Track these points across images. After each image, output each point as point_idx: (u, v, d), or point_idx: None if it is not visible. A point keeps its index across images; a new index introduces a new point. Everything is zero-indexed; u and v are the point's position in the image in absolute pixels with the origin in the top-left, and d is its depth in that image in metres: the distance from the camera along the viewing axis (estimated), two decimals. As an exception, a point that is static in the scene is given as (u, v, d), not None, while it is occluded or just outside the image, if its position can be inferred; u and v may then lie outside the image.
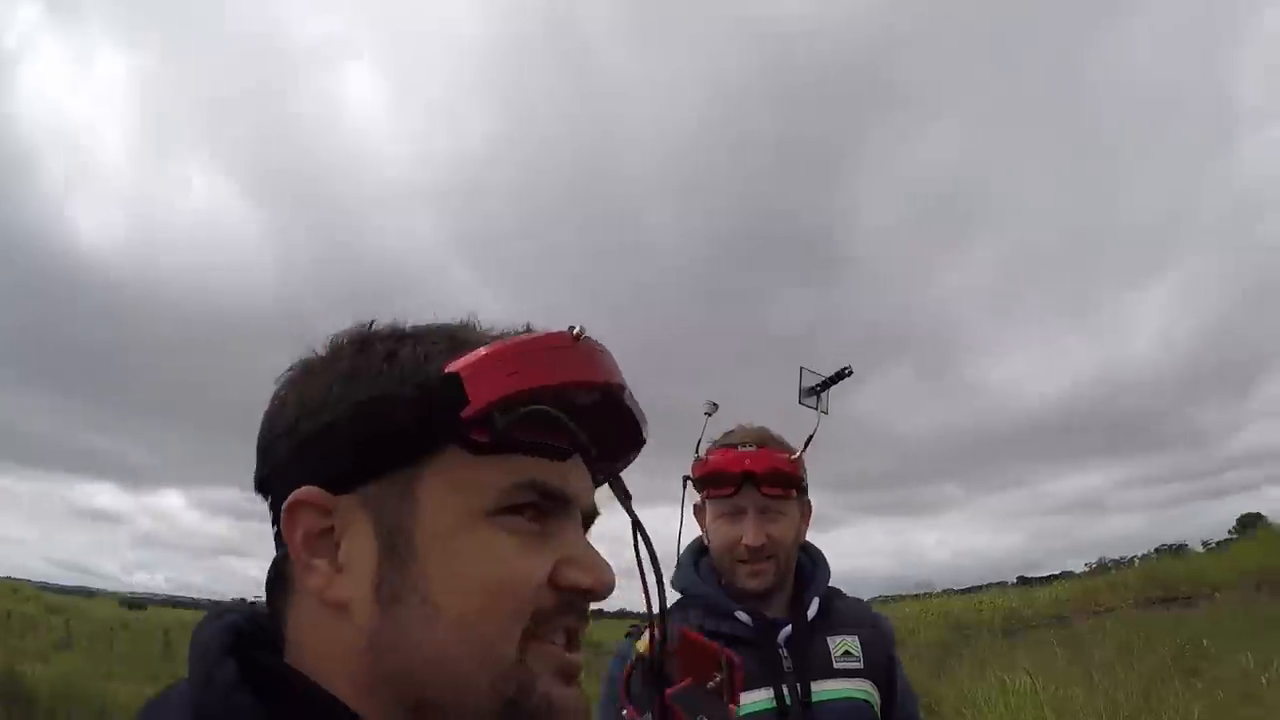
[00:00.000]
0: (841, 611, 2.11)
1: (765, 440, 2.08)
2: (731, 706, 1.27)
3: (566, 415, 0.70)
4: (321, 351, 0.77)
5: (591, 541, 0.77)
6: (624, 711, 1.44)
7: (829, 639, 2.03)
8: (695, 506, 2.17)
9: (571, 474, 0.74)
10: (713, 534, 2.08)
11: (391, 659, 0.67)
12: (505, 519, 0.70)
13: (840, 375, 2.13)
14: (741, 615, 2.01)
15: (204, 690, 0.63)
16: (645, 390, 0.84)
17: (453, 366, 0.69)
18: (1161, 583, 16.65)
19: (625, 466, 0.85)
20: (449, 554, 0.68)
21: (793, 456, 2.07)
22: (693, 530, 2.19)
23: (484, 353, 0.70)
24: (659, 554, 0.79)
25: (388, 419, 0.69)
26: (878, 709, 2.01)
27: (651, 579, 0.79)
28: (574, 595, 0.72)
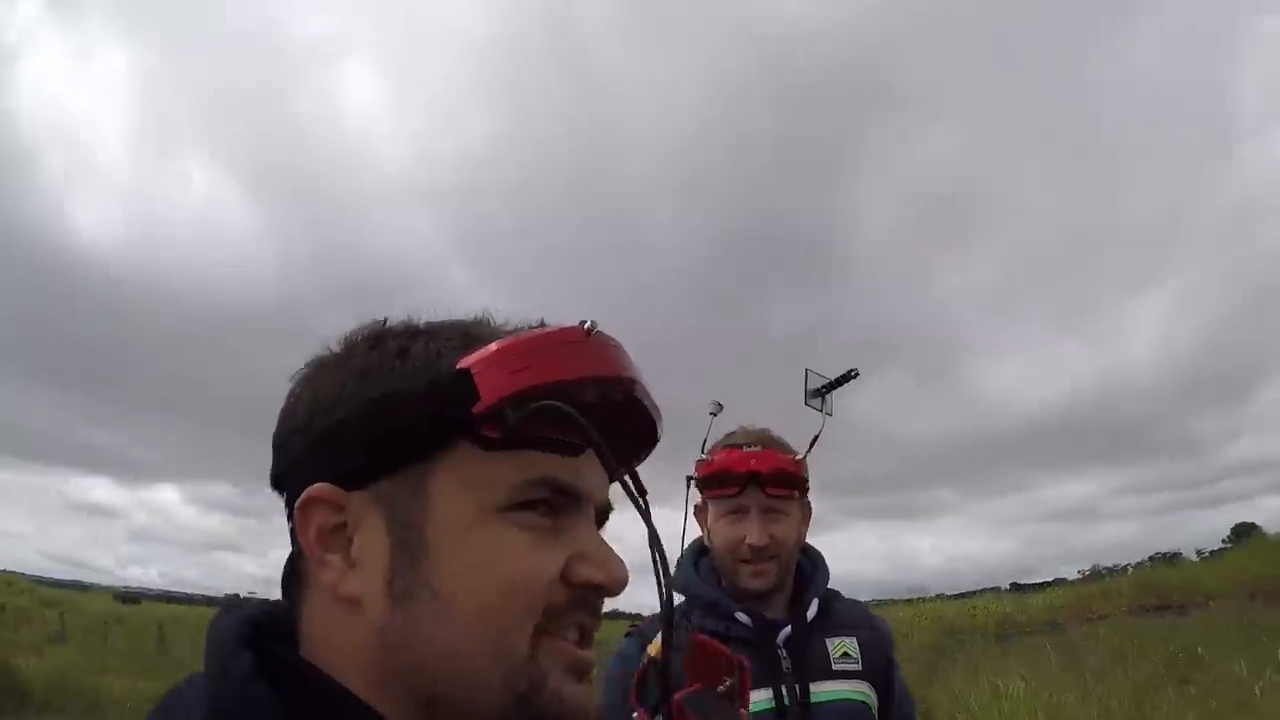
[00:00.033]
0: (840, 613, 2.12)
1: (769, 441, 2.09)
2: (743, 711, 1.28)
3: (578, 410, 0.69)
4: (336, 348, 0.77)
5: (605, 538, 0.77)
6: (634, 714, 1.45)
7: (828, 640, 2.04)
8: (696, 507, 2.17)
9: (585, 469, 0.74)
10: (715, 534, 2.09)
11: (403, 654, 0.67)
12: (517, 515, 0.70)
13: (846, 377, 2.14)
14: (741, 616, 2.02)
15: (220, 682, 0.63)
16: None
17: (464, 362, 0.69)
18: (1155, 591, 16.61)
19: (640, 462, 0.84)
20: (461, 550, 0.68)
21: (797, 457, 2.09)
22: (693, 531, 2.19)
23: (495, 348, 0.70)
24: (665, 554, 0.78)
25: (399, 415, 0.69)
26: (875, 710, 2.02)
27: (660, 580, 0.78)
28: (586, 591, 0.72)
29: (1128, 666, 10.81)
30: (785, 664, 1.97)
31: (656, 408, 0.81)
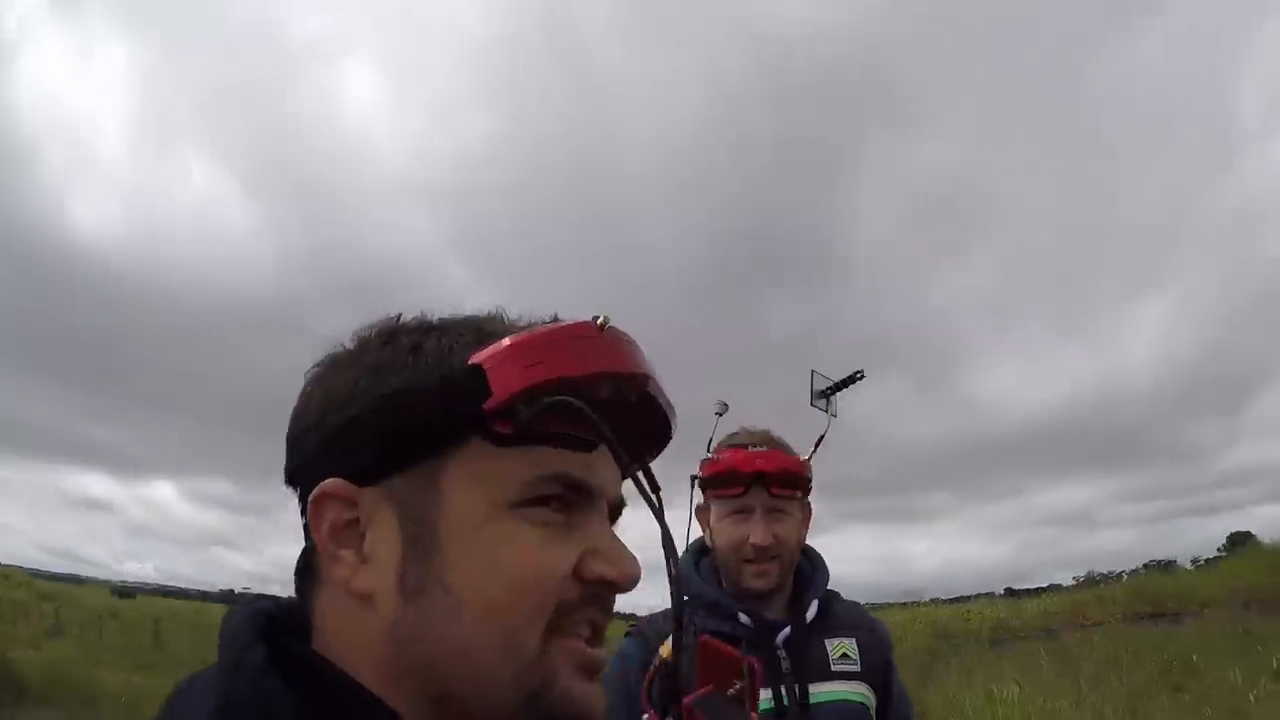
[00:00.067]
0: (839, 614, 2.13)
1: (773, 442, 2.11)
2: (753, 715, 1.29)
3: (591, 406, 0.68)
4: (349, 345, 0.77)
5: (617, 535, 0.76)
6: (645, 716, 1.46)
7: (827, 641, 2.05)
8: (697, 507, 2.18)
9: (597, 465, 0.73)
10: (718, 534, 2.09)
11: (415, 650, 0.67)
12: (530, 511, 0.69)
13: (852, 379, 2.15)
14: (741, 616, 2.03)
15: (233, 674, 0.63)
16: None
17: (476, 358, 0.69)
18: (1150, 598, 16.59)
19: (653, 459, 0.83)
20: (473, 546, 0.68)
21: (803, 458, 2.11)
22: (695, 531, 2.21)
23: (507, 343, 0.69)
24: (677, 552, 0.75)
25: (411, 411, 0.69)
26: (873, 712, 2.03)
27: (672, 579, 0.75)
28: (599, 587, 0.71)
29: (1122, 673, 10.81)
30: (784, 664, 1.98)
31: (670, 404, 0.81)
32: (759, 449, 2.07)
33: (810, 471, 2.12)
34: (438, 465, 0.69)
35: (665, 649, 1.63)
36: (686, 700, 1.19)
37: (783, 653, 2.01)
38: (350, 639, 0.70)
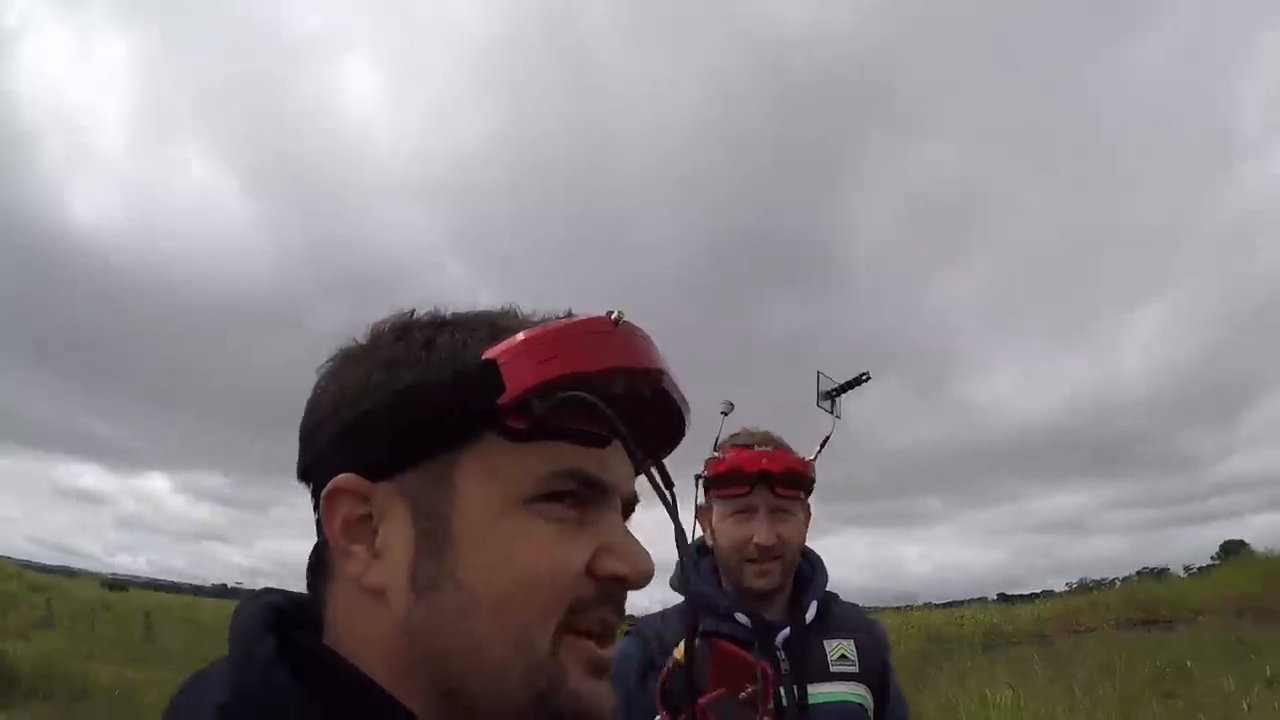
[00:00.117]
0: (838, 616, 2.13)
1: (777, 442, 2.11)
2: (765, 718, 1.28)
3: (605, 401, 0.68)
4: (362, 340, 0.77)
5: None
6: (657, 717, 1.46)
7: (825, 642, 2.06)
8: (698, 507, 2.18)
9: (611, 461, 0.73)
10: (721, 533, 2.09)
11: (426, 645, 0.67)
12: (543, 506, 0.69)
13: (858, 380, 2.15)
14: (740, 617, 2.02)
15: (243, 667, 0.63)
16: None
17: (490, 353, 0.69)
18: (1143, 605, 16.64)
19: (666, 455, 0.82)
20: (486, 541, 0.68)
21: (808, 459, 2.11)
22: (694, 531, 2.20)
23: (521, 338, 0.69)
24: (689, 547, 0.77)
25: (425, 406, 0.69)
26: (871, 713, 2.04)
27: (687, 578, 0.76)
28: (612, 584, 0.71)
29: (1115, 680, 10.84)
30: (783, 665, 1.98)
31: (684, 400, 0.80)
32: (764, 449, 2.07)
33: (814, 472, 2.12)
34: (451, 460, 0.69)
35: (679, 651, 1.62)
36: (701, 702, 1.19)
37: (781, 653, 2.00)
38: (362, 634, 0.69)
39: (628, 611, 0.75)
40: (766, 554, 2.02)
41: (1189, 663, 10.91)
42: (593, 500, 0.72)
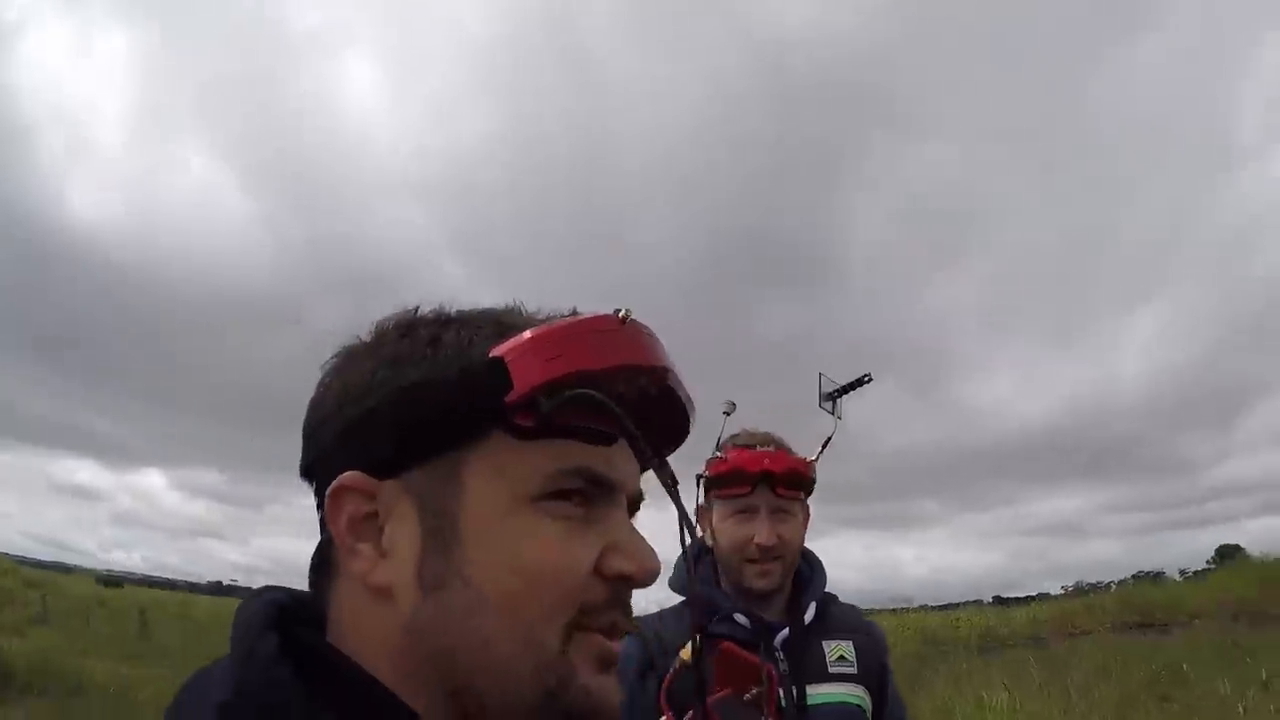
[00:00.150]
0: (836, 617, 2.13)
1: (777, 443, 2.11)
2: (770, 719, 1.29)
3: (612, 400, 0.68)
4: (366, 337, 0.76)
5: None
6: (662, 718, 1.45)
7: (824, 643, 2.05)
8: (698, 507, 2.16)
9: (617, 459, 0.73)
10: (721, 533, 2.08)
11: (433, 643, 0.67)
12: (551, 504, 0.68)
13: (860, 381, 2.15)
14: (739, 617, 2.02)
15: (245, 663, 0.63)
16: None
17: (497, 350, 0.68)
18: (1138, 609, 16.68)
19: (671, 452, 0.82)
20: (494, 539, 0.67)
21: (809, 459, 2.10)
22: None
23: (528, 336, 0.68)
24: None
25: (431, 404, 0.68)
26: (869, 714, 2.03)
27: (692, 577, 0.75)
28: (619, 584, 0.71)
29: (1111, 682, 10.86)
30: (782, 666, 1.97)
31: (689, 398, 0.80)
32: (766, 449, 2.07)
33: (815, 473, 2.12)
34: (459, 458, 0.69)
35: (685, 653, 1.62)
36: (708, 702, 1.19)
37: (780, 654, 2.00)
38: (367, 633, 0.69)
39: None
40: (767, 554, 2.01)
41: (1184, 666, 10.95)
42: (600, 498, 0.72)
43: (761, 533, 2.01)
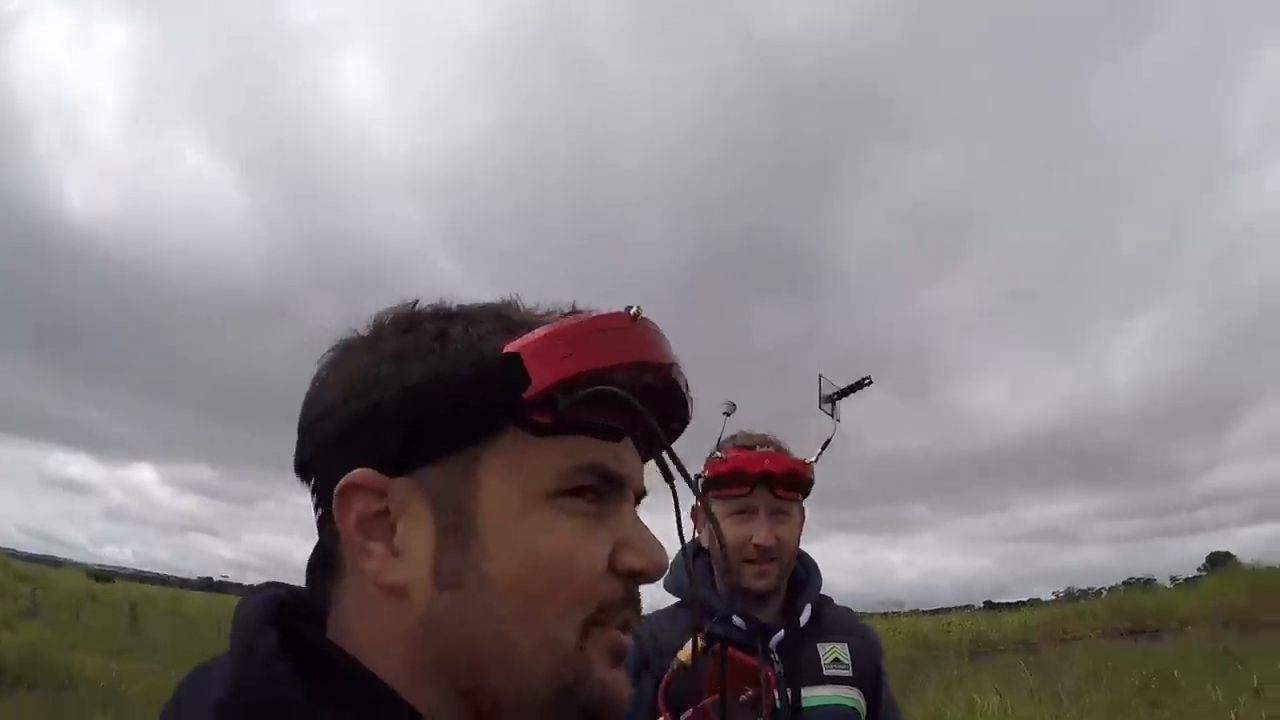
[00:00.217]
0: (832, 619, 2.13)
1: (776, 444, 2.11)
2: None
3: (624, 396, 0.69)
4: (363, 331, 0.75)
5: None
6: (660, 718, 1.45)
7: (819, 646, 2.05)
8: (693, 508, 2.16)
9: (625, 454, 0.73)
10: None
11: (449, 641, 0.66)
12: (566, 501, 0.68)
13: (859, 384, 2.15)
14: (735, 619, 2.01)
15: (244, 660, 0.62)
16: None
17: (512, 346, 0.67)
18: (1129, 615, 16.74)
19: (670, 443, 0.81)
20: (511, 537, 0.67)
21: (808, 461, 2.10)
22: (691, 532, 2.18)
23: (543, 333, 0.68)
24: (673, 556, 0.76)
25: (444, 399, 0.67)
26: (864, 717, 2.03)
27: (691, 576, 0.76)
28: (630, 579, 0.71)
29: (1102, 688, 10.88)
30: (777, 668, 1.97)
31: (689, 391, 0.81)
32: (766, 449, 2.07)
33: (813, 474, 2.11)
34: (474, 454, 0.68)
35: (684, 653, 1.61)
36: (704, 703, 1.19)
37: (775, 656, 1.99)
38: (376, 632, 0.68)
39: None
40: (765, 555, 2.01)
41: (1176, 672, 10.98)
42: (610, 494, 0.72)
43: (760, 533, 2.00)
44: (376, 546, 0.68)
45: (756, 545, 2.00)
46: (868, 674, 2.07)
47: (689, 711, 1.51)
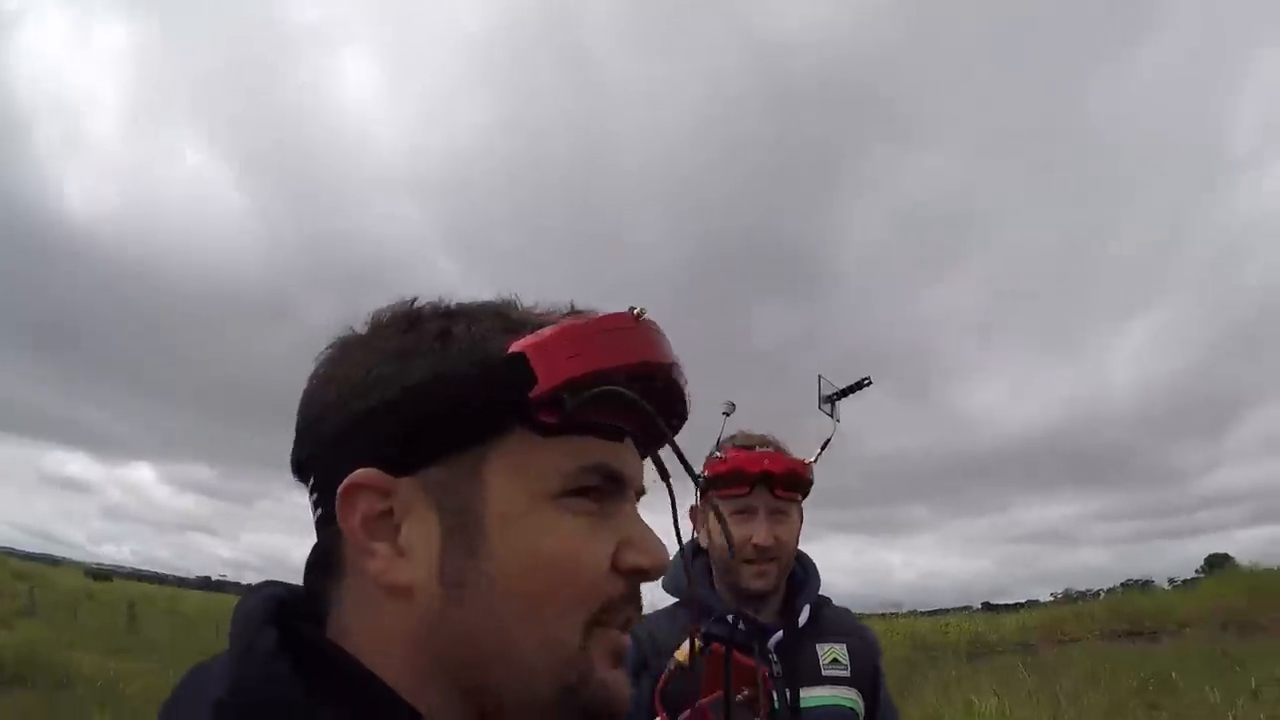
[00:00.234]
0: (830, 619, 2.13)
1: (775, 444, 2.11)
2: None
3: (628, 397, 0.69)
4: (361, 329, 0.74)
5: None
6: (657, 718, 1.45)
7: (818, 646, 2.05)
8: (692, 508, 2.15)
9: (626, 454, 0.73)
10: (718, 534, 2.07)
11: (454, 641, 0.66)
12: (571, 501, 0.69)
13: (859, 385, 2.15)
14: (733, 619, 2.00)
15: (244, 658, 0.62)
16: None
17: (517, 346, 0.67)
18: (1128, 616, 16.72)
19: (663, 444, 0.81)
20: (517, 537, 0.67)
21: (808, 461, 2.10)
22: (687, 533, 2.18)
23: (550, 333, 0.68)
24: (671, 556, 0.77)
25: (449, 399, 0.67)
26: (862, 717, 2.03)
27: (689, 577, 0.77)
28: (633, 578, 0.71)
29: (1100, 690, 10.88)
30: (775, 668, 1.97)
31: (688, 392, 0.81)
32: (766, 449, 2.07)
33: (812, 474, 2.11)
34: (479, 454, 0.68)
35: (681, 653, 1.62)
36: (702, 703, 1.20)
37: (774, 656, 2.00)
38: (378, 632, 0.68)
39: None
40: (764, 555, 2.01)
41: (1174, 674, 10.98)
42: (613, 494, 0.72)
43: (760, 533, 2.00)
44: (381, 547, 0.68)
45: (755, 545, 2.00)
46: (866, 674, 2.07)
47: (686, 712, 1.51)
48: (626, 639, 0.73)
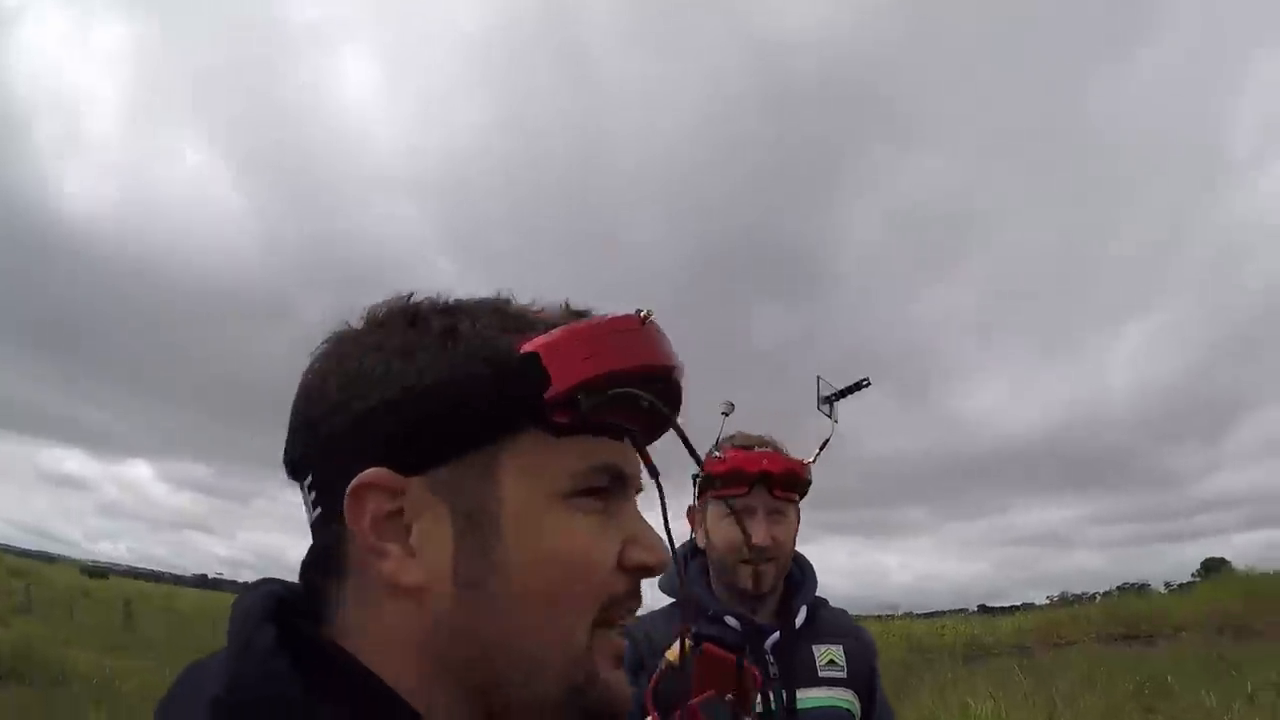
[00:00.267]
0: (827, 621, 2.13)
1: (774, 444, 2.10)
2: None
3: (634, 398, 0.70)
4: (357, 325, 0.74)
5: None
6: (648, 718, 1.45)
7: (814, 647, 2.05)
8: (690, 508, 2.16)
9: (629, 453, 0.74)
10: (716, 533, 2.07)
11: (465, 641, 0.66)
12: (580, 500, 0.69)
13: (858, 385, 2.15)
14: (730, 620, 2.01)
15: (241, 656, 0.61)
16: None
17: (529, 346, 0.67)
18: (1124, 620, 16.74)
19: (655, 439, 0.82)
20: (530, 537, 0.67)
21: (806, 461, 2.09)
22: (685, 533, 2.19)
23: (562, 333, 0.68)
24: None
25: (460, 399, 0.67)
26: (858, 719, 2.03)
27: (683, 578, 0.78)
28: (636, 575, 0.72)
29: (1096, 692, 10.89)
30: (772, 669, 1.97)
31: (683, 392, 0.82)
32: (765, 449, 2.07)
33: (811, 475, 2.11)
34: (492, 454, 0.68)
35: (672, 653, 1.62)
36: (692, 703, 1.20)
37: (770, 657, 2.00)
38: (385, 631, 0.68)
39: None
40: (761, 555, 2.00)
41: (1169, 678, 10.99)
42: (617, 493, 0.73)
43: (758, 533, 1.99)
44: (393, 547, 0.67)
45: (754, 545, 1.99)
46: (862, 676, 2.07)
47: (677, 713, 1.52)
48: (624, 642, 0.73)
